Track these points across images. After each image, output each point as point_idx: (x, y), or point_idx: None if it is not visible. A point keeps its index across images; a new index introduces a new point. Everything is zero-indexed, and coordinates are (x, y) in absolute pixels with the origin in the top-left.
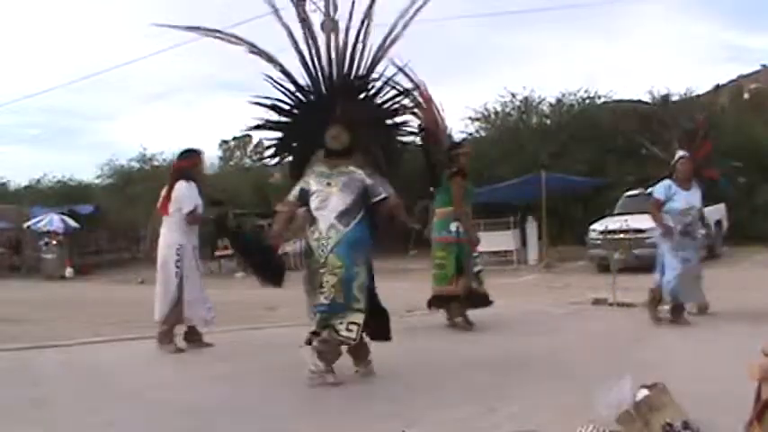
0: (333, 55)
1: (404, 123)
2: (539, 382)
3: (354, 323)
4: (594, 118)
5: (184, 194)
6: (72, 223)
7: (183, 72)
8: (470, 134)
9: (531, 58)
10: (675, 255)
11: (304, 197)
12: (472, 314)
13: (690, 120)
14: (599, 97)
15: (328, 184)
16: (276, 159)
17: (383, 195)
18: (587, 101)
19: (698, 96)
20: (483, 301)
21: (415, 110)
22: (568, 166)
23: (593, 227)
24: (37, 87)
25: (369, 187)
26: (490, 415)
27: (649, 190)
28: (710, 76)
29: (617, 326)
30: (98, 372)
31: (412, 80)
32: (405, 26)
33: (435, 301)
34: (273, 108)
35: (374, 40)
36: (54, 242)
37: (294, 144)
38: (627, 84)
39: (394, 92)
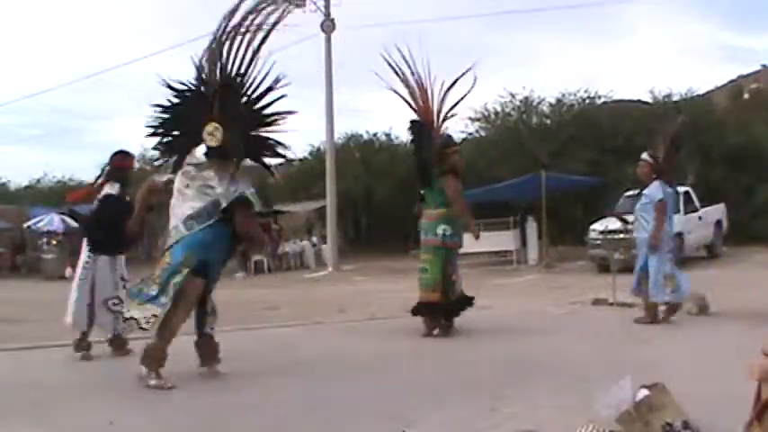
0: (216, 54)
1: (276, 128)
2: (539, 382)
3: (154, 315)
4: (594, 118)
5: None
6: (72, 223)
7: (183, 72)
8: (470, 134)
9: (532, 59)
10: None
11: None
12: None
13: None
14: (599, 97)
15: (187, 185)
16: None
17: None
18: (587, 101)
19: (699, 96)
20: (464, 302)
21: (408, 100)
22: (568, 166)
23: (593, 227)
24: (37, 87)
25: (219, 197)
26: (490, 415)
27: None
28: (710, 75)
29: (617, 326)
30: (98, 372)
31: (403, 71)
32: (269, 31)
33: (420, 309)
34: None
35: (248, 42)
36: (54, 242)
37: (178, 140)
38: (627, 84)
39: (273, 94)
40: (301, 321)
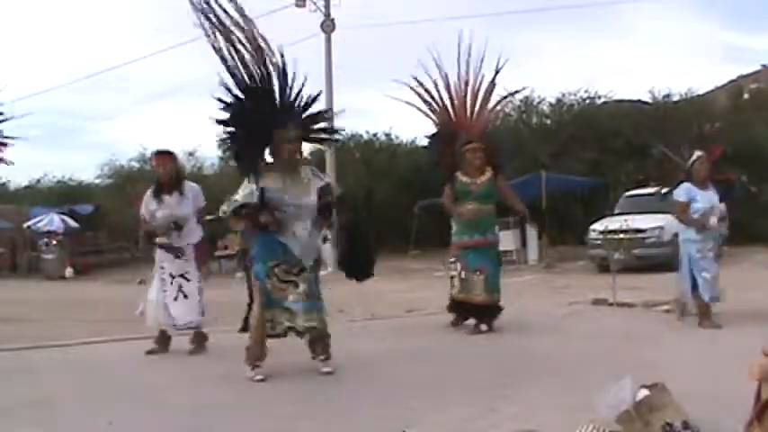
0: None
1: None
2: (539, 382)
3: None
4: (594, 118)
5: None
6: (72, 223)
7: (183, 72)
8: None
9: (531, 58)
10: (703, 256)
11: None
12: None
13: (701, 126)
14: (599, 97)
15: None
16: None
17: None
18: (587, 101)
19: (699, 96)
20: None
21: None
22: (568, 166)
23: (593, 227)
24: (37, 87)
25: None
26: (490, 415)
27: (652, 191)
28: (710, 76)
29: (617, 326)
30: (98, 372)
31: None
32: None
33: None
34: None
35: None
36: (54, 242)
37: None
38: (627, 84)
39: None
40: None
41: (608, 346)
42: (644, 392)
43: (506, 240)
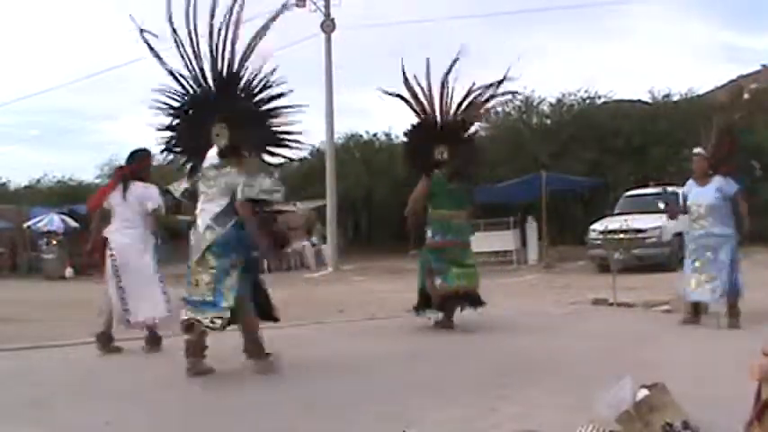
0: (209, 52)
1: (282, 121)
2: (539, 382)
3: (219, 317)
4: (594, 118)
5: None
6: (72, 223)
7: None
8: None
9: (531, 59)
10: (688, 255)
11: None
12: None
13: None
14: (599, 97)
15: (210, 186)
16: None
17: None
18: (587, 101)
19: (699, 96)
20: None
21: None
22: (568, 166)
23: (593, 227)
24: (37, 87)
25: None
26: (490, 415)
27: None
28: (710, 76)
29: (617, 326)
30: (98, 372)
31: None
32: (267, 27)
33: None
34: (166, 108)
35: (244, 37)
36: (54, 242)
37: (187, 142)
38: (627, 84)
39: (274, 90)
40: (301, 322)
41: (608, 346)
42: (644, 392)
43: (506, 240)
